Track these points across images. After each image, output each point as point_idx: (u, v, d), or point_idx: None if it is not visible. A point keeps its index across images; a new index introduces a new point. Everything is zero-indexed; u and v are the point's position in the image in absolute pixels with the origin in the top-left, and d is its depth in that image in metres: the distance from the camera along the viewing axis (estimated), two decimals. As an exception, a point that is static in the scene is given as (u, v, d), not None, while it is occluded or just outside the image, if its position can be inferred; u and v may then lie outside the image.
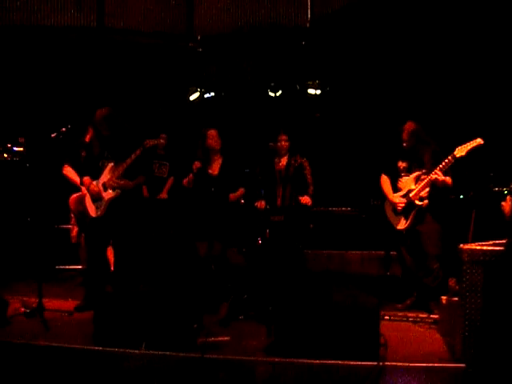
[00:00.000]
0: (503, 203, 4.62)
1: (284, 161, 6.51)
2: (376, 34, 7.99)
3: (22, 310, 5.62)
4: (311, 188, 6.39)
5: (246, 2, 8.42)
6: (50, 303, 5.85)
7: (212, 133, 6.47)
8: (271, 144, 6.35)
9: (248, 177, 6.58)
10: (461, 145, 5.62)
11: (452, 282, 5.10)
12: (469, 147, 5.58)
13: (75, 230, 7.11)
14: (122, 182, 6.00)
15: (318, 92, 9.15)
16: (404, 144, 6.03)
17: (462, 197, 7.06)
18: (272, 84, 9.38)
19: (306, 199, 6.23)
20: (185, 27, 8.57)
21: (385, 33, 7.93)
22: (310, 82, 8.99)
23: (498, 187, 6.63)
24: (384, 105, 8.84)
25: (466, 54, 7.78)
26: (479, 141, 5.59)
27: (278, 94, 9.51)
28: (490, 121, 7.67)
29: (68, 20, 8.21)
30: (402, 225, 5.97)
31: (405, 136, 6.02)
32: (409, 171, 6.02)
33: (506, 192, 6.46)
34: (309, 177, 6.45)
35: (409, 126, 6.03)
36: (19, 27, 8.09)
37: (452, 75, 8.12)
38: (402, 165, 6.08)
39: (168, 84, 9.36)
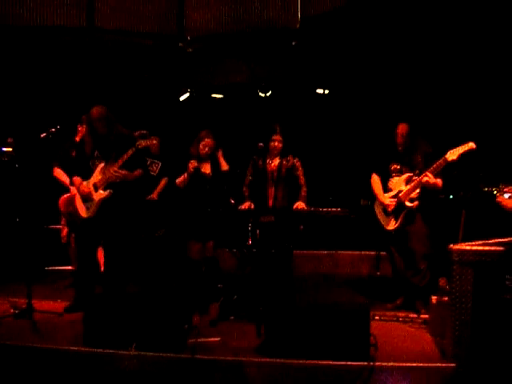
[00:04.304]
0: (500, 199, 4.61)
1: (276, 161, 6.43)
2: (367, 35, 7.99)
3: (11, 311, 5.60)
4: (304, 189, 6.30)
5: (237, 3, 8.41)
6: (40, 304, 5.81)
7: (207, 143, 6.39)
8: (260, 144, 6.28)
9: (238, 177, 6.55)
10: (453, 148, 5.59)
11: (442, 282, 5.12)
12: (461, 151, 5.55)
13: (65, 230, 7.09)
14: (123, 172, 5.88)
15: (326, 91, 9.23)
16: (399, 148, 6.01)
17: (451, 197, 7.08)
18: (262, 84, 9.39)
19: (300, 205, 6.17)
20: (175, 28, 8.55)
21: (376, 33, 7.93)
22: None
23: (488, 187, 6.64)
24: (375, 105, 8.86)
25: (458, 55, 7.80)
26: (471, 145, 5.54)
27: (267, 94, 9.52)
28: (480, 121, 7.70)
29: (57, 20, 8.17)
30: (392, 225, 5.98)
31: (399, 140, 5.99)
32: (400, 172, 6.01)
33: (495, 192, 6.48)
34: (301, 177, 6.35)
35: (402, 129, 5.98)
36: (7, 27, 8.04)
37: (443, 75, 8.15)
38: (393, 166, 6.07)
39: (158, 84, 9.35)
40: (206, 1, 8.44)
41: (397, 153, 6.04)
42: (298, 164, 6.41)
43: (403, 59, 8.21)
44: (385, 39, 8.00)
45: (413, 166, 5.93)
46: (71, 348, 4.61)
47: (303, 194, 6.29)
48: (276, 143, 6.37)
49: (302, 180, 6.36)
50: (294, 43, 8.46)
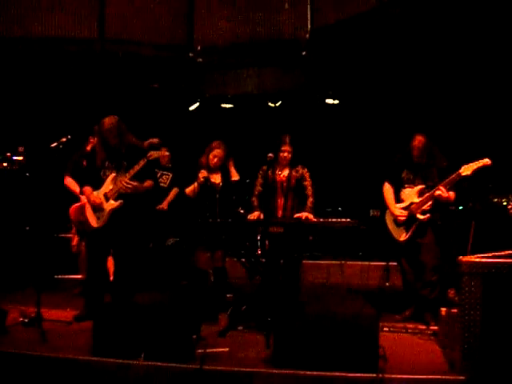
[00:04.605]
0: None
1: (285, 172, 6.38)
2: (377, 44, 8.01)
3: (21, 319, 5.60)
4: (311, 200, 6.23)
5: (247, 13, 8.47)
6: (49, 313, 5.81)
7: (217, 153, 6.39)
8: (270, 155, 6.25)
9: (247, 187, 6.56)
10: (467, 163, 5.56)
11: (451, 293, 5.10)
12: (475, 167, 5.52)
13: (75, 239, 7.11)
14: (134, 183, 5.84)
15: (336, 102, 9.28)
16: (415, 160, 5.94)
17: (461, 208, 7.06)
18: (272, 94, 9.43)
19: (309, 215, 6.09)
20: (185, 38, 8.61)
21: (387, 43, 7.94)
22: None
23: (498, 198, 6.63)
24: (385, 115, 8.86)
25: (468, 64, 7.81)
26: (486, 161, 5.52)
27: (277, 104, 9.55)
28: (489, 131, 7.69)
29: (69, 31, 8.25)
30: (403, 237, 5.95)
31: (416, 152, 5.90)
32: (412, 183, 5.97)
33: (504, 203, 6.46)
34: (309, 188, 6.30)
35: (420, 142, 5.90)
36: (19, 38, 8.12)
37: (453, 84, 8.16)
38: (406, 175, 6.03)
39: (168, 94, 9.40)
40: (215, 12, 8.54)
41: (411, 162, 5.99)
42: (306, 174, 6.36)
43: (414, 69, 8.22)
44: (396, 49, 8.02)
45: (426, 177, 5.89)
46: (80, 357, 4.62)
47: (309, 204, 6.21)
48: (285, 154, 6.32)
49: (310, 191, 6.31)
50: (303, 53, 8.51)
